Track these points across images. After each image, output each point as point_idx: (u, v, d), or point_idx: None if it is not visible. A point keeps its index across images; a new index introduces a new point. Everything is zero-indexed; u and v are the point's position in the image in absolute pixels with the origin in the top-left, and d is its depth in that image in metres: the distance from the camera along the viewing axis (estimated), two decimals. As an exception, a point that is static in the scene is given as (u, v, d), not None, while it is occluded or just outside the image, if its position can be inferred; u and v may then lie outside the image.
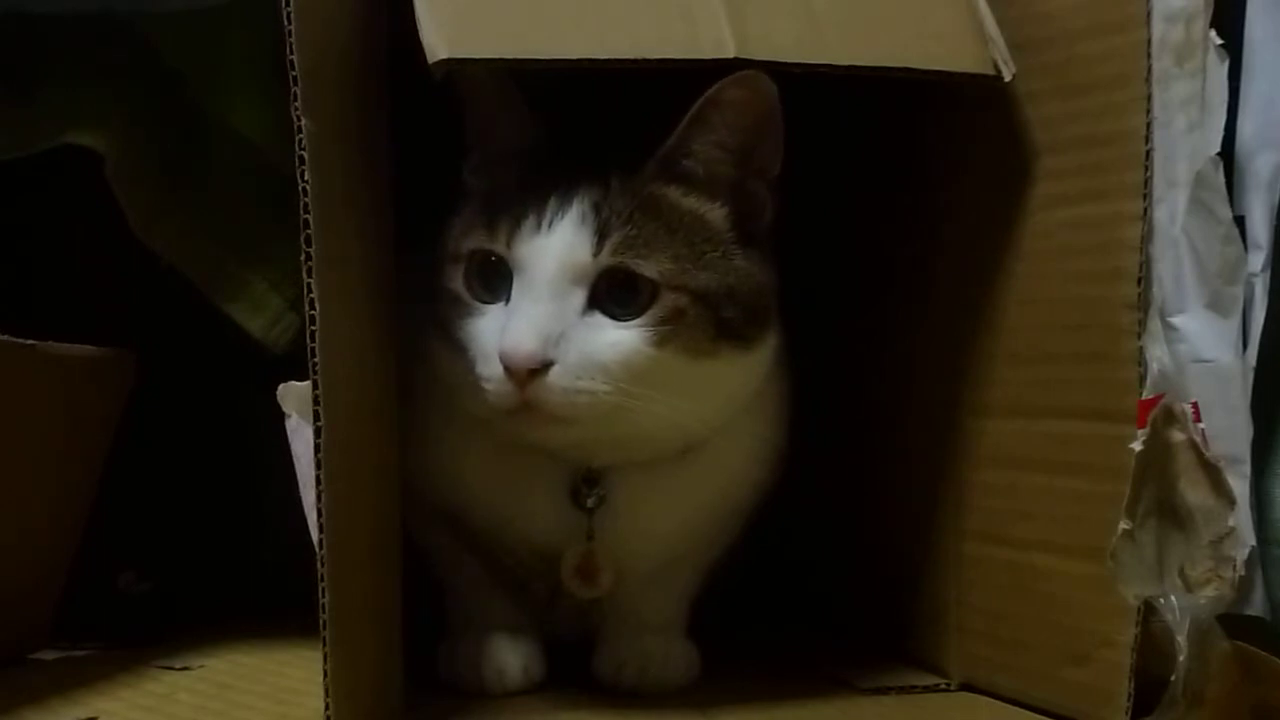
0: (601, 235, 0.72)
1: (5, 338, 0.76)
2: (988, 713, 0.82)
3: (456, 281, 0.76)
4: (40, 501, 0.84)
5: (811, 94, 0.81)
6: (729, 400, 0.79)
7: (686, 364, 0.74)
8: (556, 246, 0.72)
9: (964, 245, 0.86)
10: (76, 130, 0.86)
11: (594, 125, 0.80)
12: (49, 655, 0.87)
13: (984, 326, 0.84)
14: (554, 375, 0.71)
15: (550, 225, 0.73)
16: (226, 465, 1.02)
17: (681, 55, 0.70)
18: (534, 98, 0.78)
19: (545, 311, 0.72)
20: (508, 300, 0.74)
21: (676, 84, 0.72)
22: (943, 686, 0.87)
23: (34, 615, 0.87)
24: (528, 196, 0.74)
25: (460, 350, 0.75)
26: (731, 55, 0.70)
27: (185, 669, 0.82)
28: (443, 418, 0.81)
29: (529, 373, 0.71)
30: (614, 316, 0.73)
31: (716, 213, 0.77)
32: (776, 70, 0.71)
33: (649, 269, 0.73)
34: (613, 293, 0.73)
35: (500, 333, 0.72)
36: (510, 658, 0.83)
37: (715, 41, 0.70)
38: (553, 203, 0.73)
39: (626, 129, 0.78)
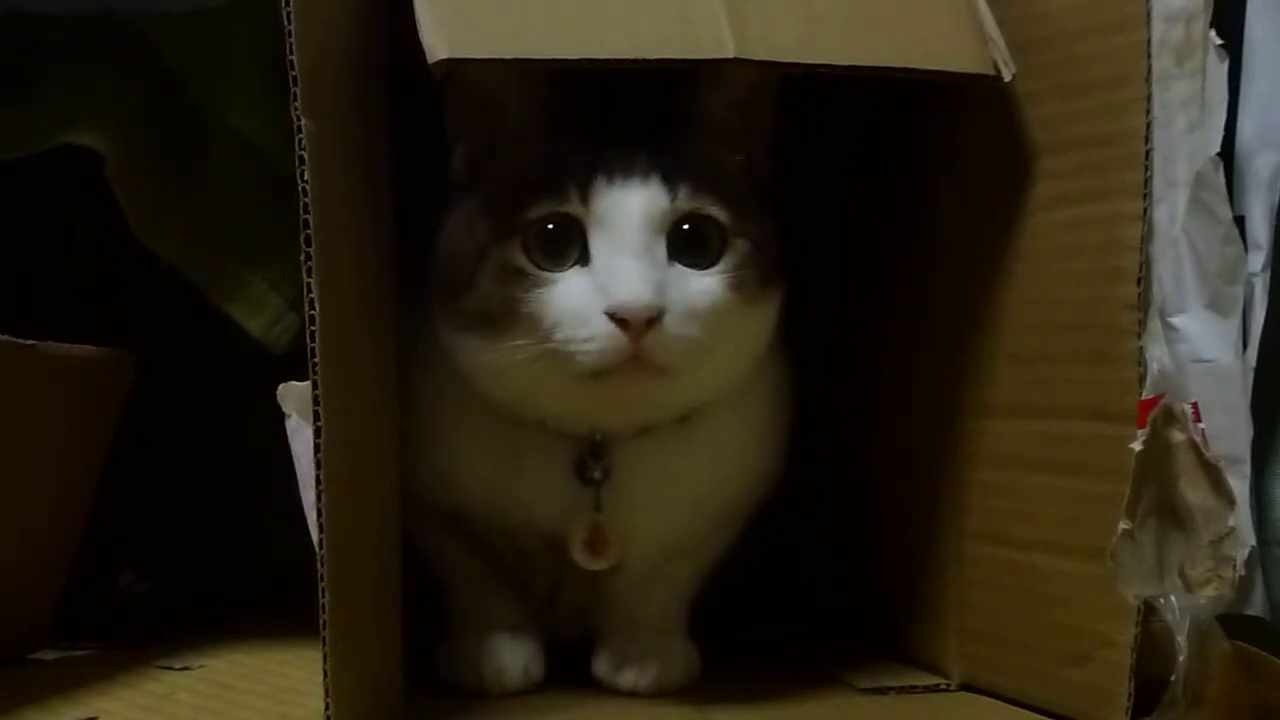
0: (672, 183, 0.73)
1: (5, 338, 0.76)
2: (988, 713, 0.82)
3: (514, 255, 0.73)
4: (40, 501, 0.84)
5: (811, 93, 0.81)
6: (756, 349, 0.80)
7: (746, 309, 0.75)
8: (637, 196, 0.72)
9: (963, 245, 0.86)
10: (76, 130, 0.86)
11: (596, 93, 0.78)
12: (49, 655, 0.87)
13: (983, 326, 0.84)
14: (667, 323, 0.71)
15: (624, 178, 0.73)
16: (227, 465, 1.03)
17: (681, 55, 0.70)
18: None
19: (645, 262, 0.71)
20: (581, 263, 0.72)
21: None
22: (942, 686, 0.87)
23: (34, 615, 0.87)
24: (582, 156, 0.73)
25: (525, 326, 0.72)
26: (731, 55, 0.70)
27: (185, 669, 0.83)
28: (440, 413, 0.81)
29: (645, 323, 0.70)
30: (695, 265, 0.74)
31: (737, 164, 0.79)
32: (776, 70, 0.71)
33: (720, 214, 0.74)
34: (688, 242, 0.74)
35: (595, 292, 0.71)
36: (510, 658, 0.83)
37: (715, 41, 0.70)
38: (617, 156, 0.73)
39: (626, 96, 0.77)
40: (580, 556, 0.81)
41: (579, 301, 0.71)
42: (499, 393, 0.77)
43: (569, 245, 0.73)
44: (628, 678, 0.83)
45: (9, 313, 0.78)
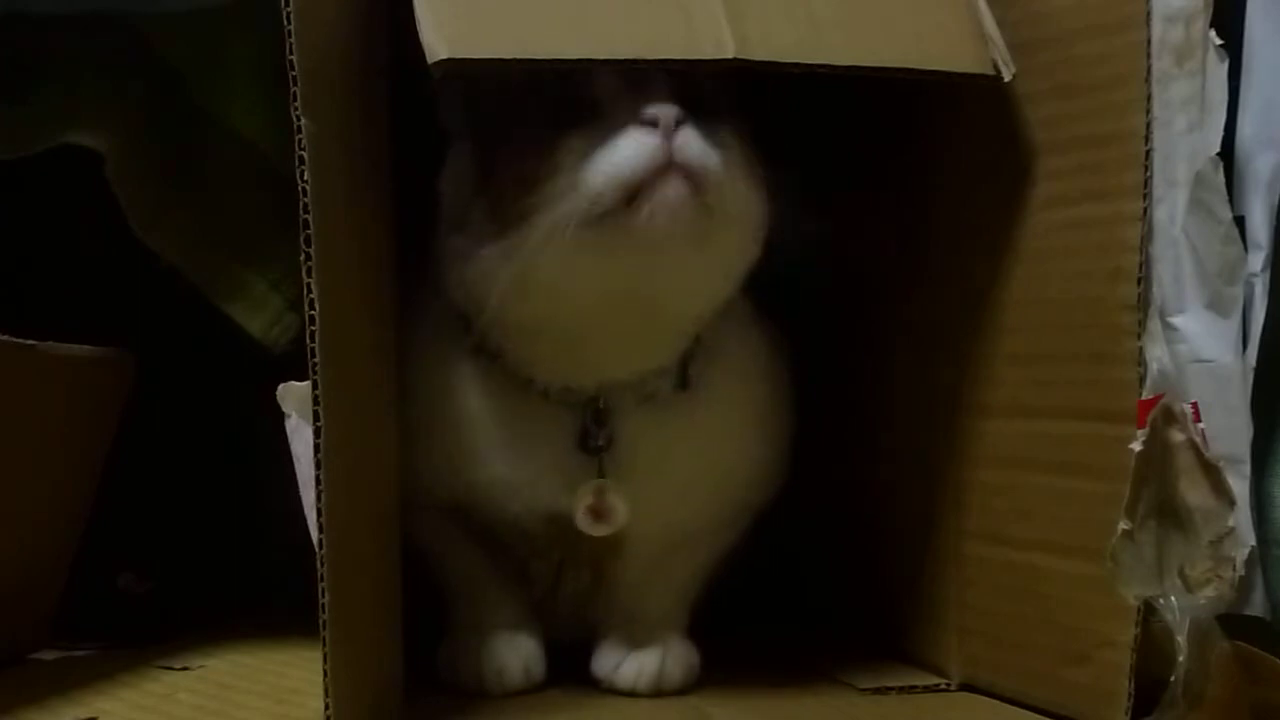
0: (685, 90, 0.72)
1: (5, 338, 0.76)
2: (988, 713, 0.82)
3: (531, 137, 0.73)
4: (40, 502, 0.84)
5: (811, 94, 0.81)
6: (742, 261, 0.79)
7: (740, 198, 0.75)
8: (657, 76, 0.72)
9: (963, 245, 0.86)
10: (76, 130, 0.86)
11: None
12: (49, 655, 0.87)
13: (983, 326, 0.84)
14: (692, 128, 0.71)
15: (644, 81, 0.72)
16: (226, 466, 1.03)
17: (681, 55, 0.70)
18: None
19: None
20: (600, 116, 0.72)
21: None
22: (943, 686, 0.87)
23: (34, 615, 0.87)
24: (597, 79, 0.73)
25: (551, 198, 0.72)
26: (731, 56, 0.70)
27: (185, 669, 0.83)
28: (442, 394, 0.81)
29: (676, 125, 0.70)
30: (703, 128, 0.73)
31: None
32: (775, 70, 0.71)
33: (726, 119, 0.74)
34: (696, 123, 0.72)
35: (619, 125, 0.71)
36: (511, 658, 0.83)
37: (715, 42, 0.70)
38: (633, 74, 0.72)
39: None
40: (584, 523, 0.81)
41: (606, 140, 0.71)
42: (513, 333, 0.78)
43: (580, 109, 0.72)
44: (626, 676, 0.83)
45: (9, 313, 0.78)
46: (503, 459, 0.81)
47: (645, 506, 0.82)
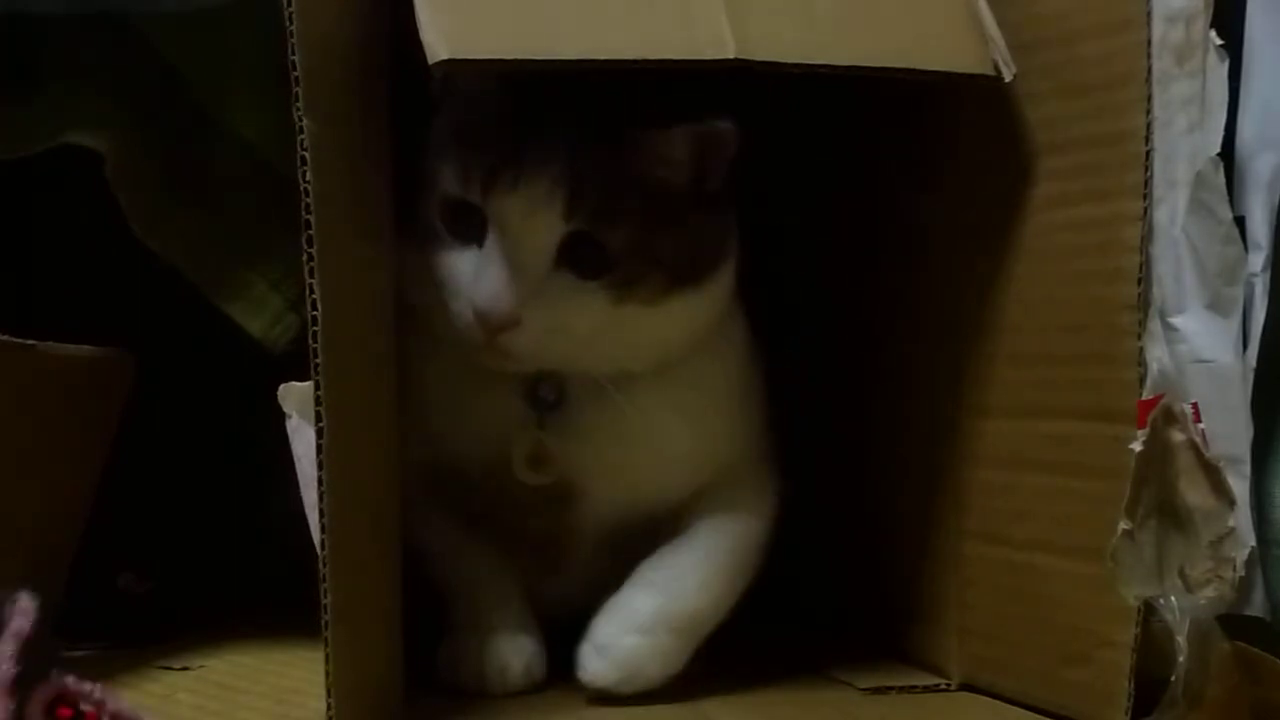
0: (573, 198, 0.74)
1: (5, 338, 0.76)
2: (988, 713, 0.82)
3: (434, 216, 0.78)
4: (40, 501, 0.84)
5: (811, 94, 0.81)
6: (681, 331, 0.82)
7: (641, 311, 0.78)
8: (528, 206, 0.74)
9: (963, 245, 0.86)
10: (76, 130, 0.86)
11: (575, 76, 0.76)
12: (49, 655, 0.87)
13: (983, 326, 0.84)
14: (523, 330, 0.75)
15: (524, 182, 0.74)
16: (227, 465, 1.02)
17: (682, 56, 0.70)
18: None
19: (516, 270, 0.75)
20: (480, 244, 0.76)
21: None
22: (942, 686, 0.87)
23: (34, 615, 0.87)
24: (504, 145, 0.75)
25: (435, 280, 0.78)
26: (732, 56, 0.70)
27: (185, 669, 0.82)
28: (414, 366, 0.82)
29: (501, 326, 0.75)
30: (579, 275, 0.76)
31: (675, 177, 0.78)
32: (776, 70, 0.71)
33: (615, 239, 0.76)
34: (579, 254, 0.76)
35: (474, 279, 0.76)
36: (512, 658, 0.83)
37: (715, 42, 0.70)
38: (530, 157, 0.74)
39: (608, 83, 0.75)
40: (521, 470, 0.82)
41: (464, 282, 0.76)
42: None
43: (474, 226, 0.76)
44: (588, 671, 0.82)
45: (9, 313, 0.78)
46: (463, 417, 0.84)
47: (596, 467, 0.83)
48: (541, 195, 0.74)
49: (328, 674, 0.64)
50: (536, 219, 0.75)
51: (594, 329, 0.77)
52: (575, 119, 0.76)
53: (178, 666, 0.83)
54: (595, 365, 0.80)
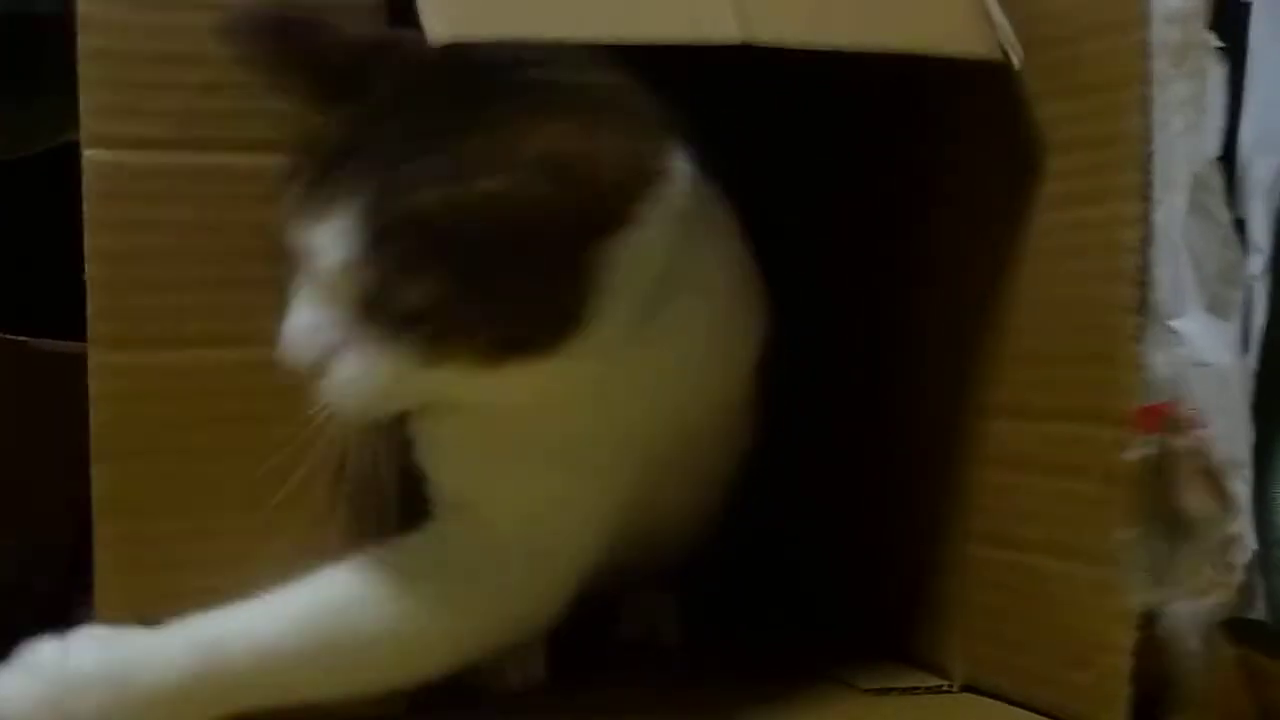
0: (369, 245, 0.63)
1: (4, 337, 0.76)
2: (989, 714, 0.82)
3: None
4: (40, 501, 0.84)
5: (812, 95, 0.81)
6: (544, 395, 0.70)
7: (466, 375, 0.66)
8: (321, 246, 0.64)
9: (965, 245, 0.86)
10: (76, 130, 0.86)
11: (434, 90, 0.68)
12: (50, 656, 0.87)
13: (986, 327, 0.84)
14: (327, 383, 0.66)
15: (328, 216, 0.64)
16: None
17: (685, 38, 0.69)
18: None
19: (317, 315, 0.66)
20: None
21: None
22: (944, 688, 0.86)
23: (34, 615, 0.87)
24: (322, 169, 0.65)
25: None
26: (736, 38, 0.69)
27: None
28: None
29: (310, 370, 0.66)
30: (385, 326, 0.65)
31: (507, 228, 0.64)
32: (782, 53, 0.71)
33: (411, 297, 0.64)
34: (383, 302, 0.65)
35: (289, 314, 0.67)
36: (511, 657, 0.83)
37: (720, 25, 0.69)
38: (329, 188, 0.64)
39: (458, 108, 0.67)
40: None
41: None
42: None
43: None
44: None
45: (9, 312, 0.78)
46: None
47: None
48: (331, 238, 0.64)
49: None
50: (325, 263, 0.64)
51: (404, 389, 0.67)
52: (395, 140, 0.65)
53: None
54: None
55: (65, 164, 0.86)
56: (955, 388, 0.86)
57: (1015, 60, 0.77)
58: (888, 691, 0.85)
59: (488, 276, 0.64)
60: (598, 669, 0.86)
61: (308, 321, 0.66)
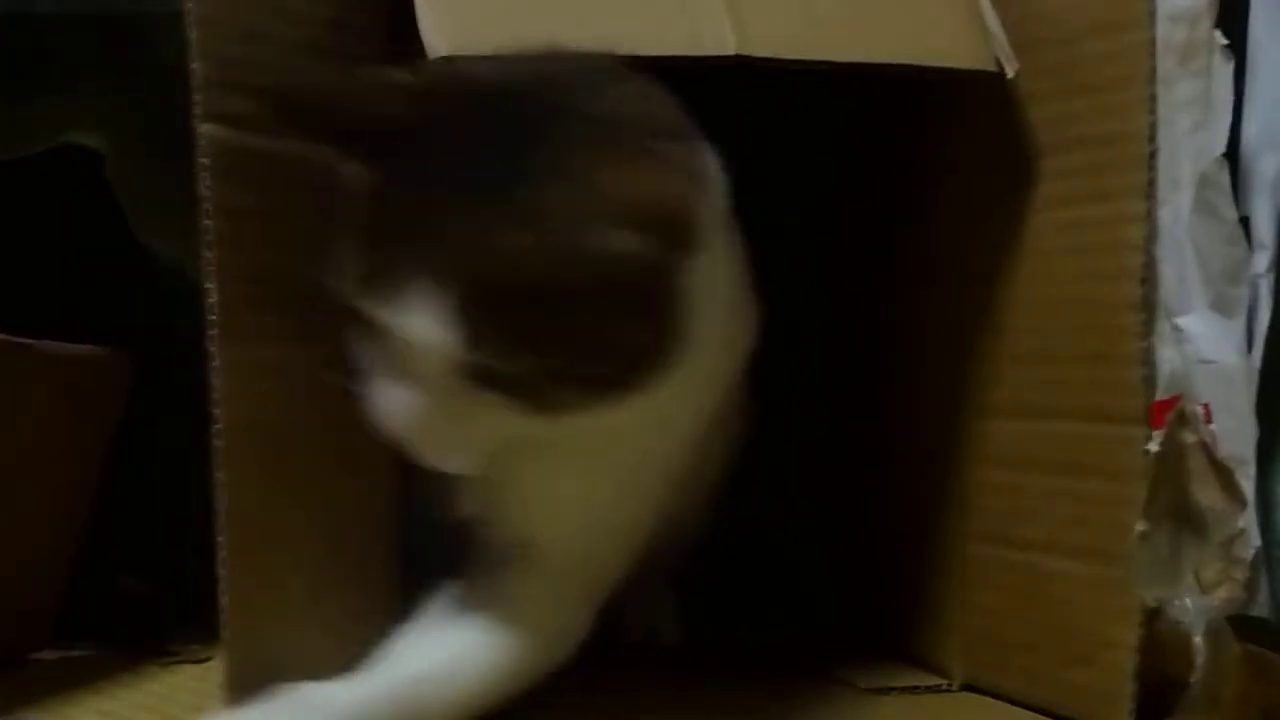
0: (458, 320, 0.60)
1: (4, 337, 0.76)
2: (990, 714, 0.82)
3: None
4: (40, 501, 0.83)
5: (811, 95, 0.81)
6: (645, 421, 0.68)
7: (573, 417, 0.64)
8: (409, 320, 0.60)
9: (967, 246, 0.86)
10: (76, 130, 0.86)
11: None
12: (49, 655, 0.87)
13: (987, 327, 0.84)
14: (432, 452, 0.65)
15: (405, 290, 0.60)
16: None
17: (682, 52, 0.70)
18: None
19: (408, 389, 0.63)
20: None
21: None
22: (945, 687, 0.86)
23: (34, 615, 0.87)
24: (383, 236, 0.61)
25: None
26: (732, 52, 0.69)
27: (185, 669, 0.82)
28: None
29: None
30: (488, 389, 0.62)
31: (588, 278, 0.61)
32: (777, 66, 0.71)
33: (509, 366, 0.61)
34: (476, 367, 0.61)
35: (378, 388, 0.64)
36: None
37: (716, 38, 0.70)
38: (414, 255, 0.60)
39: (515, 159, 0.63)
40: None
41: (373, 389, 0.65)
42: None
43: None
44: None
45: (9, 312, 0.78)
46: None
47: None
48: (416, 309, 0.60)
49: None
50: (414, 335, 0.60)
51: (514, 439, 0.65)
52: (462, 177, 0.61)
53: (178, 666, 0.83)
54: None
55: (65, 164, 0.87)
56: (955, 388, 0.86)
57: (1010, 70, 0.77)
58: (888, 691, 0.85)
59: (580, 324, 0.61)
60: (598, 669, 0.86)
61: (399, 398, 0.62)
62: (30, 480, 0.82)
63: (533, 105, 0.62)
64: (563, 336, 0.61)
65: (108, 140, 0.86)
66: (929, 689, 0.86)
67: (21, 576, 0.84)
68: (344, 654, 0.72)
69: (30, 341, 0.78)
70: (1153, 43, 0.74)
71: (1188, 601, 0.73)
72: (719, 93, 0.82)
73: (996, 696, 0.84)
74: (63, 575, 0.88)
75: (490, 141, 0.61)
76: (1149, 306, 0.74)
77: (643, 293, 0.63)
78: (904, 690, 0.86)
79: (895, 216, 0.94)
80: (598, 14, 0.70)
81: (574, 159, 0.60)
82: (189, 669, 0.83)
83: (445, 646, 0.71)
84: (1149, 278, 0.74)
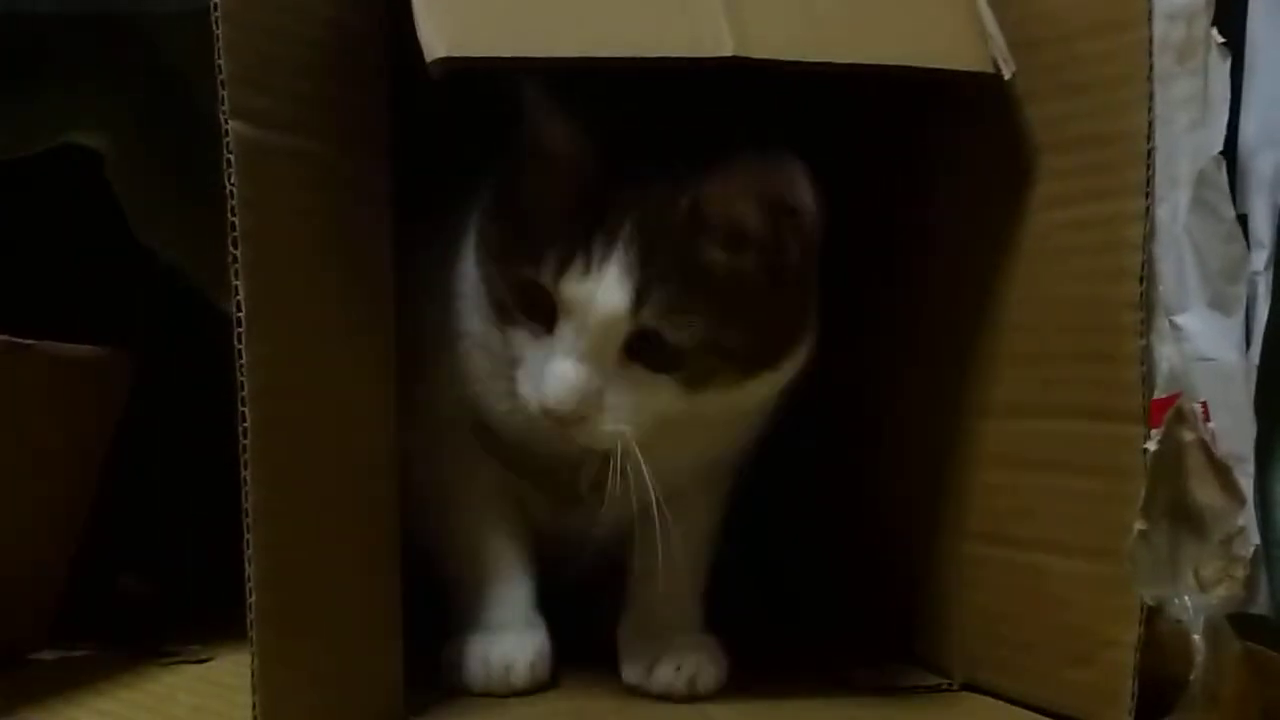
0: (642, 292, 0.72)
1: (4, 337, 0.76)
2: (990, 713, 0.82)
3: (505, 294, 0.76)
4: (40, 501, 0.83)
5: (811, 94, 0.81)
6: (758, 401, 0.81)
7: (718, 396, 0.76)
8: (600, 299, 0.72)
9: (965, 245, 0.86)
10: (76, 130, 0.86)
11: (640, 139, 0.75)
12: (49, 655, 0.87)
13: (986, 326, 0.84)
14: (591, 424, 0.73)
15: (596, 270, 0.72)
16: (226, 466, 1.02)
17: (680, 54, 0.70)
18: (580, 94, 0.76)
19: (585, 366, 0.73)
20: (550, 330, 0.74)
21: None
22: (944, 686, 0.86)
23: (34, 615, 0.87)
24: (575, 230, 0.73)
25: (502, 351, 0.77)
26: (730, 54, 0.70)
27: (185, 669, 0.82)
28: (466, 346, 0.83)
29: (569, 420, 0.73)
30: (650, 367, 0.74)
31: (747, 263, 0.75)
32: (775, 68, 0.71)
33: (682, 337, 0.73)
34: (648, 347, 0.73)
35: (541, 372, 0.73)
36: (518, 655, 0.83)
37: (714, 39, 0.70)
38: (599, 244, 0.72)
39: (671, 145, 0.75)
40: (591, 497, 0.82)
41: (533, 366, 0.75)
42: None
43: (545, 309, 0.74)
44: (660, 680, 0.83)
45: (9, 313, 0.78)
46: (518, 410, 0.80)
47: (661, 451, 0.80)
48: (613, 285, 0.71)
49: (253, 673, 0.64)
50: (606, 310, 0.72)
51: (666, 419, 0.75)
52: (641, 186, 0.73)
53: (178, 666, 0.83)
54: (667, 440, 0.76)
55: (65, 164, 0.87)
56: (954, 387, 0.86)
57: (1007, 72, 0.77)
58: (887, 691, 0.85)
59: (741, 305, 0.74)
60: (598, 668, 0.86)
61: (574, 372, 0.73)
62: (30, 480, 0.81)
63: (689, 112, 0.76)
64: (720, 311, 0.73)
65: (108, 140, 0.86)
66: (928, 689, 0.86)
67: (21, 576, 0.84)
68: (369, 648, 0.73)
69: (30, 342, 0.78)
70: (1150, 41, 0.74)
71: (1187, 600, 0.72)
72: (718, 93, 0.82)
73: (996, 696, 0.84)
74: (63, 575, 0.88)
75: (654, 143, 0.74)
76: (1147, 305, 0.74)
77: (783, 275, 0.76)
78: (904, 690, 0.86)
79: (894, 216, 0.94)
80: (596, 15, 0.70)
81: (728, 162, 0.73)
82: (189, 669, 0.83)
83: None
84: (1147, 276, 0.74)
